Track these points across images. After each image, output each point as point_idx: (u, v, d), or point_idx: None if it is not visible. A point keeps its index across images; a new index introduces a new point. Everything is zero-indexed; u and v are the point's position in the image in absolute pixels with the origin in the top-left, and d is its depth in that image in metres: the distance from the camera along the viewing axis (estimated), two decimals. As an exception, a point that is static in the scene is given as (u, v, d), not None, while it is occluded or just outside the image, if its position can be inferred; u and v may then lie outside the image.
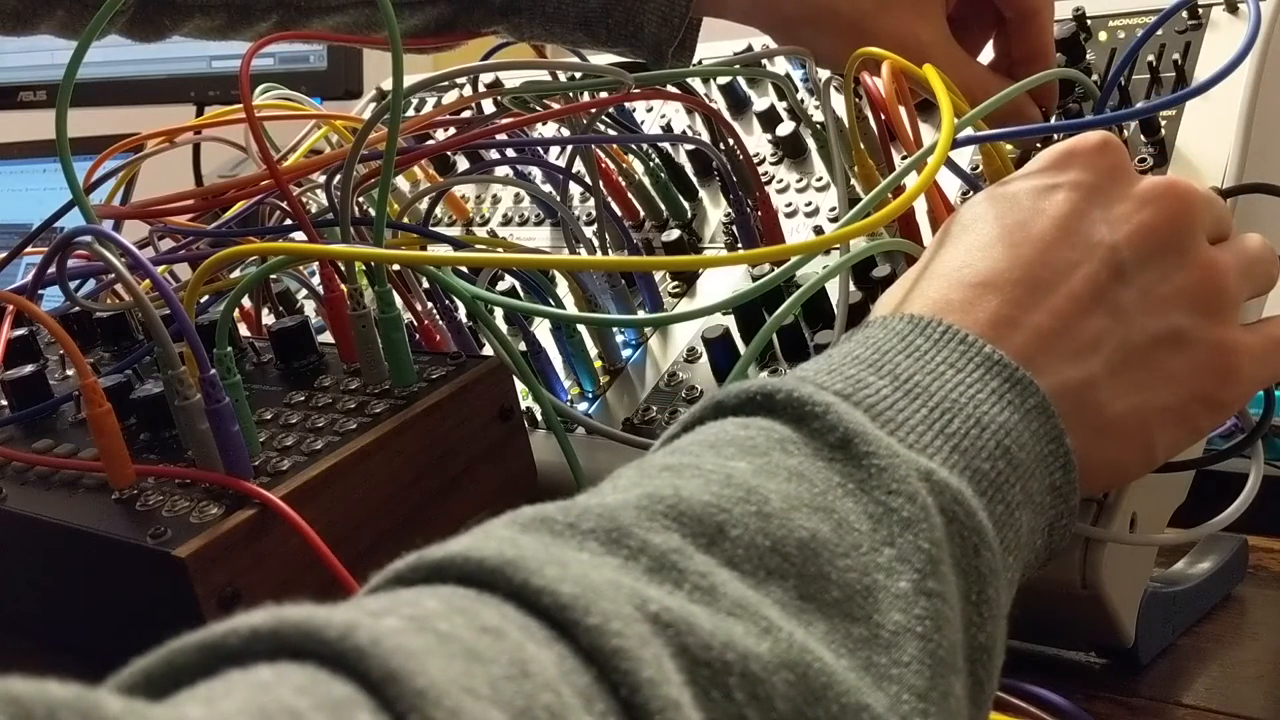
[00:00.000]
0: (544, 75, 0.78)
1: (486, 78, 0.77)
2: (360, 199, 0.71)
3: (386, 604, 0.26)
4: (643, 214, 0.74)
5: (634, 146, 0.74)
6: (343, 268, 0.58)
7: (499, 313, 0.70)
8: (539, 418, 0.65)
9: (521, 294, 0.70)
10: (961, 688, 0.34)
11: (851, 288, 0.59)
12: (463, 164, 0.83)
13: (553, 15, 0.65)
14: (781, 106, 0.72)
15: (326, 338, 0.62)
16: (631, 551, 0.30)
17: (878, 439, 0.36)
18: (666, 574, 0.30)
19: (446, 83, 0.83)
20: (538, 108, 0.71)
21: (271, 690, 0.22)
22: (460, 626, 0.25)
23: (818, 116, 0.67)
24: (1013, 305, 0.42)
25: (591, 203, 0.71)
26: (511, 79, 0.78)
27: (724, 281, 0.68)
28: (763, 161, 0.72)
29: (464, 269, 0.66)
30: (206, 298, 0.71)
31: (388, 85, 0.83)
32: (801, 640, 0.30)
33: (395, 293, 0.56)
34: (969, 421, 0.39)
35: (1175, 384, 0.44)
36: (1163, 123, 0.59)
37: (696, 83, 0.76)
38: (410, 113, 0.88)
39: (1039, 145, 0.62)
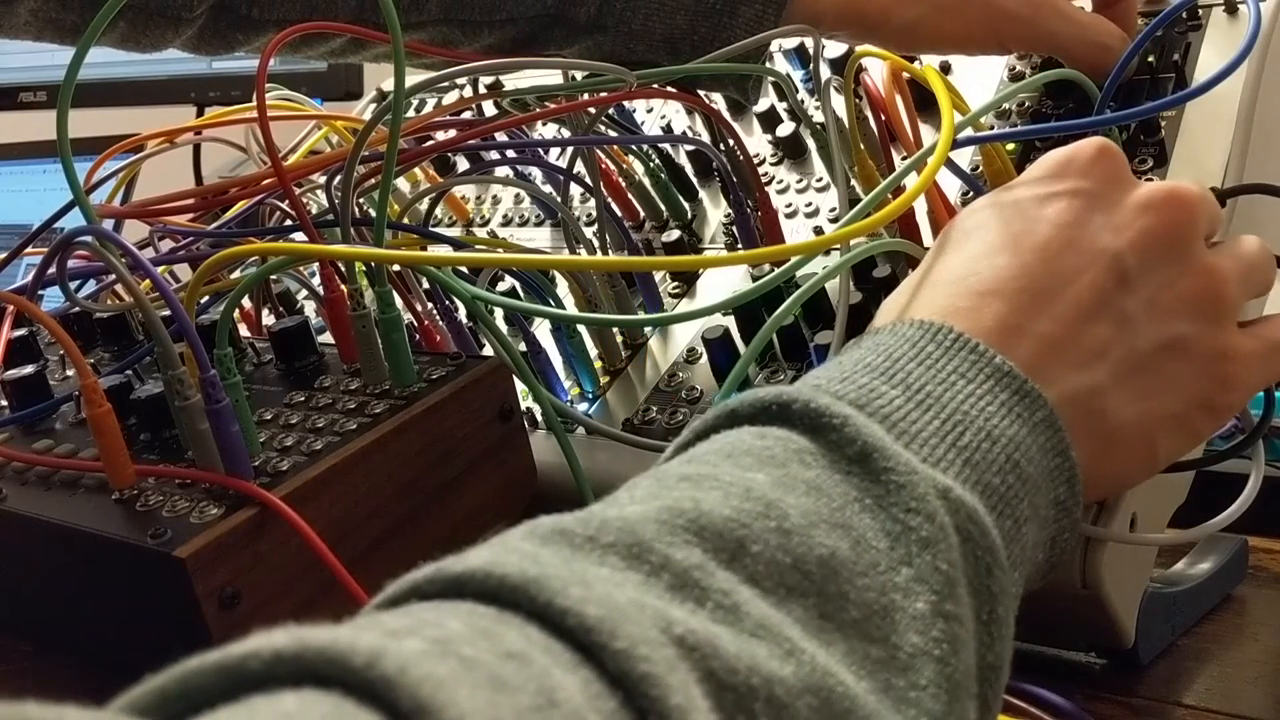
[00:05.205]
0: (544, 74, 0.78)
1: (487, 78, 0.77)
2: (360, 200, 0.71)
3: (407, 623, 0.26)
4: (643, 214, 0.74)
5: (634, 147, 0.74)
6: (343, 268, 0.58)
7: (499, 313, 0.70)
8: (539, 418, 0.65)
9: (521, 294, 0.70)
10: (974, 711, 0.33)
11: (851, 288, 0.59)
12: (463, 165, 0.83)
13: (637, 33, 0.64)
14: (781, 107, 0.72)
15: (326, 338, 0.62)
16: (653, 567, 0.30)
17: (896, 454, 0.35)
18: (689, 592, 0.30)
19: (447, 83, 0.83)
20: (537, 108, 0.71)
21: None
22: (485, 651, 0.25)
23: (818, 117, 0.67)
24: (1019, 313, 0.42)
25: (591, 203, 0.71)
26: (512, 79, 0.78)
27: (724, 282, 0.68)
28: (763, 162, 0.72)
29: (464, 269, 0.66)
30: (206, 298, 0.71)
31: (388, 86, 0.84)
32: (824, 663, 0.30)
33: (395, 293, 0.56)
34: (980, 435, 0.38)
35: (1178, 391, 0.44)
36: (1162, 123, 0.59)
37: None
38: (410, 113, 0.88)
39: (1039, 144, 0.62)
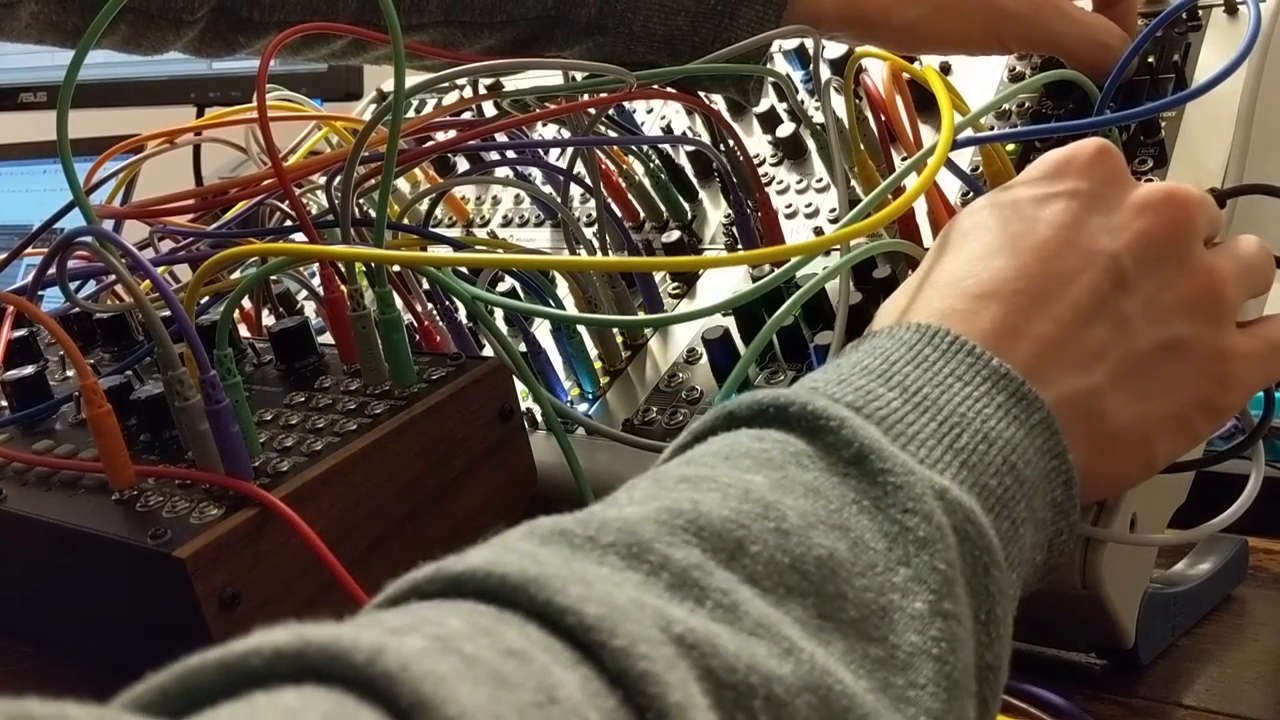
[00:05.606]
0: (544, 75, 0.78)
1: (487, 79, 0.77)
2: (360, 200, 0.71)
3: (408, 621, 0.26)
4: (643, 215, 0.74)
5: (634, 148, 0.74)
6: (343, 268, 0.58)
7: (499, 313, 0.70)
8: (539, 418, 0.65)
9: (521, 295, 0.70)
10: (973, 710, 0.34)
11: (851, 289, 0.59)
12: (463, 165, 0.83)
13: (638, 34, 0.64)
14: (782, 108, 0.72)
15: (327, 338, 0.62)
16: (652, 567, 0.30)
17: (893, 455, 0.36)
18: (688, 591, 0.30)
19: (447, 84, 0.83)
20: (537, 108, 0.71)
21: (298, 716, 0.22)
22: (486, 649, 0.25)
23: (818, 117, 0.67)
24: (1017, 315, 0.42)
25: (591, 204, 0.71)
26: (512, 80, 0.78)
27: (724, 282, 0.68)
28: (763, 162, 0.72)
29: (464, 270, 0.66)
30: (206, 299, 0.71)
31: (388, 86, 0.84)
32: (823, 662, 0.30)
33: (395, 293, 0.56)
34: (977, 437, 0.38)
35: (1176, 392, 0.44)
36: (1162, 124, 0.59)
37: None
38: (410, 114, 0.88)
39: (1039, 145, 0.62)
